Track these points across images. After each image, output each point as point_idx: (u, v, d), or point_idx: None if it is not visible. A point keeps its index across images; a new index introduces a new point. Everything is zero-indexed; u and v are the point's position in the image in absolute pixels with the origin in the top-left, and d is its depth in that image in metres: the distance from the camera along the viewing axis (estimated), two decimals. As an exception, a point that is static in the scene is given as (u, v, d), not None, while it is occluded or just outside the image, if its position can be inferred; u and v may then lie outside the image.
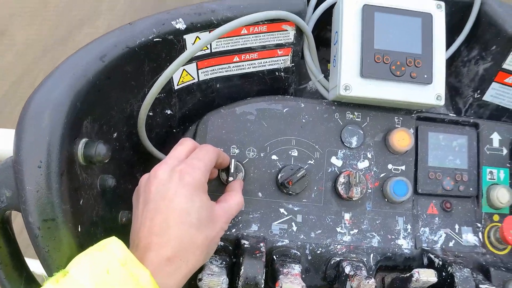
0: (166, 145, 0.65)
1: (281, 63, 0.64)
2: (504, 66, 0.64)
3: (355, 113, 0.63)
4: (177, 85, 0.62)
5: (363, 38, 0.57)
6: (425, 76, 0.58)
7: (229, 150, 0.61)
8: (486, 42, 0.66)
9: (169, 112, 0.64)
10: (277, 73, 0.66)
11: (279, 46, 0.62)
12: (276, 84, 0.67)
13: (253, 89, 0.68)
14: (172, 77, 0.60)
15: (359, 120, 0.63)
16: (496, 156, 0.66)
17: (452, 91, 0.77)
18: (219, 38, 0.57)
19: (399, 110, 0.64)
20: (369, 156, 0.62)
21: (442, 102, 0.59)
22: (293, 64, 0.65)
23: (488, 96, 0.69)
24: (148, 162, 0.63)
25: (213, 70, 0.63)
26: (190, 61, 0.59)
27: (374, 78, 0.57)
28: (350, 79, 0.58)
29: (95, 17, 3.24)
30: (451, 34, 0.72)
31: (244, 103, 0.63)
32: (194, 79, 0.63)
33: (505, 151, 0.67)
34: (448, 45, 0.71)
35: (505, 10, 0.64)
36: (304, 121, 0.62)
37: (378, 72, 0.57)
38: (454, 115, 0.69)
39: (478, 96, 0.69)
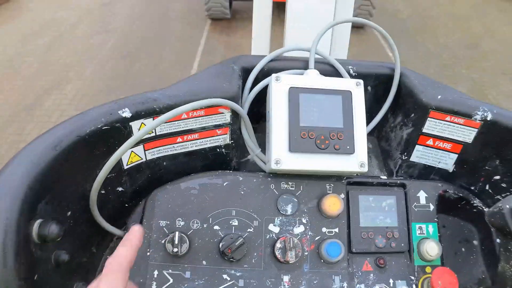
0: (120, 219, 0.69)
1: (221, 141, 0.70)
2: (424, 130, 0.72)
3: (289, 182, 0.69)
4: (127, 165, 0.66)
5: (290, 116, 0.64)
6: (348, 147, 0.64)
7: (175, 222, 0.65)
8: (407, 110, 0.74)
9: (120, 189, 0.69)
10: (218, 150, 0.71)
11: (217, 126, 0.68)
12: (219, 159, 0.73)
13: (197, 164, 0.73)
14: (121, 159, 0.64)
15: (293, 189, 0.69)
16: (424, 212, 0.72)
17: (384, 154, 0.84)
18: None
19: (330, 177, 0.70)
20: (304, 221, 0.67)
21: (365, 169, 0.65)
22: (232, 141, 0.71)
23: (414, 157, 0.77)
24: (103, 235, 0.67)
25: (159, 150, 0.68)
26: (137, 144, 0.64)
27: (301, 152, 0.64)
28: (280, 154, 0.64)
29: (64, 84, 3.30)
30: (378, 104, 0.81)
31: (188, 179, 0.68)
32: (142, 159, 0.68)
33: (432, 207, 0.73)
34: (376, 114, 0.79)
35: (420, 82, 0.73)
36: (242, 193, 0.68)
37: (304, 147, 0.63)
38: (384, 177, 0.76)
39: (406, 158, 0.77)
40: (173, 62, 3.64)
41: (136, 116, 0.61)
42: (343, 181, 0.70)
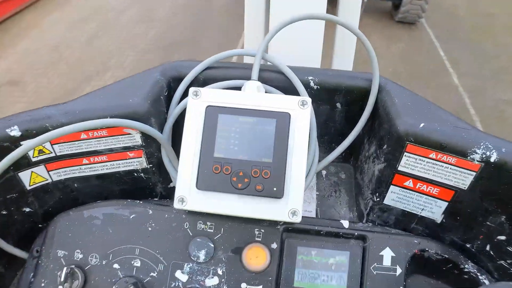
0: (33, 239, 0.62)
1: (137, 164, 0.58)
2: (400, 168, 0.54)
3: (207, 223, 0.55)
4: (30, 185, 0.58)
5: (203, 144, 0.50)
6: (274, 188, 0.49)
7: (73, 254, 0.55)
8: (380, 139, 0.56)
9: (27, 209, 0.60)
10: (135, 174, 0.59)
11: (127, 148, 0.56)
12: (139, 184, 0.61)
13: (115, 188, 0.61)
14: (20, 178, 0.56)
15: (211, 231, 0.54)
16: (386, 277, 0.54)
17: (357, 189, 0.67)
18: (60, 142, 0.54)
19: (263, 220, 0.54)
20: (220, 272, 0.53)
21: (298, 219, 0.49)
22: (151, 165, 0.58)
23: (389, 200, 0.58)
24: (12, 255, 0.60)
25: (65, 171, 0.58)
26: (37, 163, 0.56)
27: (211, 191, 0.49)
28: (185, 191, 0.50)
29: (104, 72, 3.34)
30: (351, 126, 0.64)
31: (92, 206, 0.58)
32: (47, 180, 0.58)
33: (399, 271, 0.54)
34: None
35: (402, 101, 0.55)
36: (150, 229, 0.55)
37: (216, 184, 0.49)
38: (345, 223, 0.58)
39: (378, 199, 0.59)
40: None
41: (26, 135, 0.52)
42: (279, 226, 0.55)
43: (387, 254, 0.55)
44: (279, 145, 0.50)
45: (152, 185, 0.61)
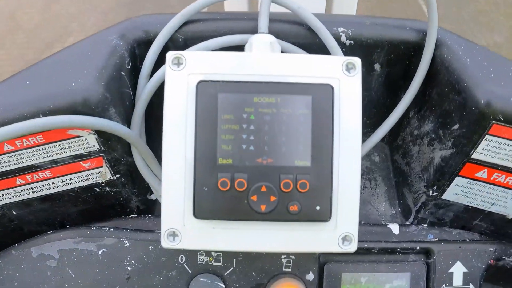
0: None
1: (97, 177, 0.37)
2: (474, 156, 0.37)
3: (212, 253, 0.36)
4: None
5: (198, 144, 0.30)
6: (317, 207, 0.30)
7: None
8: (446, 115, 0.38)
9: None
10: (97, 189, 0.39)
11: (79, 157, 0.35)
12: (106, 201, 0.41)
13: (71, 210, 0.42)
14: None
15: (220, 264, 0.36)
16: None
17: (399, 176, 0.49)
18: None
19: None
20: None
21: (353, 247, 0.31)
22: (119, 176, 0.37)
23: (451, 195, 0.41)
24: None
25: None
26: None
27: (218, 219, 0.30)
28: (177, 221, 0.30)
29: (66, 37, 2.98)
30: (394, 94, 0.45)
31: (42, 240, 0.38)
32: None
33: None
34: (388, 111, 0.43)
35: (477, 62, 0.37)
36: (130, 269, 0.37)
37: (224, 209, 0.30)
38: (395, 227, 0.41)
39: (435, 194, 0.42)
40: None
41: None
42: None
43: (458, 271, 0.39)
44: (320, 137, 0.30)
45: (124, 201, 0.41)
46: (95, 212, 0.41)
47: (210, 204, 0.30)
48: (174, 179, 0.30)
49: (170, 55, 0.31)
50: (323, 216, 0.30)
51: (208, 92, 0.30)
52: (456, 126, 0.36)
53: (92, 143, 0.34)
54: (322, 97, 0.31)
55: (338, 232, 0.31)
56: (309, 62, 0.32)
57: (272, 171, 0.30)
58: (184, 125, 0.30)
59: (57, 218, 0.41)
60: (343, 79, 0.31)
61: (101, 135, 0.34)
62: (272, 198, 0.30)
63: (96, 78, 0.33)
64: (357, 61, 0.32)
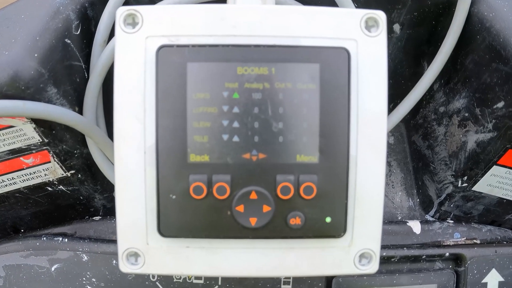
0: None
1: (46, 174, 0.28)
2: None
3: None
4: None
5: (160, 136, 0.20)
6: (327, 219, 0.21)
7: None
8: (486, 89, 0.30)
9: None
10: (50, 188, 0.30)
11: (17, 152, 0.25)
12: (63, 201, 0.32)
13: (22, 213, 0.33)
14: None
15: (201, 282, 0.29)
16: None
17: (417, 160, 0.40)
18: None
19: None
20: None
21: (373, 267, 0.22)
22: (74, 171, 0.28)
23: (483, 186, 0.33)
24: None
25: None
26: None
27: (191, 237, 0.21)
28: (138, 240, 0.21)
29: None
30: (416, 63, 0.36)
31: None
32: None
33: None
34: (411, 84, 0.34)
35: None
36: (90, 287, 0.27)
37: (200, 223, 0.20)
38: (416, 228, 0.32)
39: (465, 185, 0.33)
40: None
41: None
42: None
43: (493, 280, 0.32)
44: (331, 122, 0.21)
45: (85, 200, 0.32)
46: (51, 214, 0.32)
47: (180, 217, 0.20)
48: (130, 183, 0.21)
49: (120, 11, 0.21)
50: (335, 230, 0.21)
51: (173, 61, 0.20)
52: (501, 104, 0.27)
53: (30, 134, 0.24)
54: (333, 65, 0.21)
55: (355, 250, 0.22)
56: (315, 17, 0.21)
57: (265, 171, 0.20)
58: (142, 108, 0.21)
59: (8, 223, 0.32)
60: (363, 40, 0.21)
61: (40, 123, 0.24)
62: (266, 208, 0.20)
63: (27, 49, 0.23)
64: (381, 15, 0.22)
